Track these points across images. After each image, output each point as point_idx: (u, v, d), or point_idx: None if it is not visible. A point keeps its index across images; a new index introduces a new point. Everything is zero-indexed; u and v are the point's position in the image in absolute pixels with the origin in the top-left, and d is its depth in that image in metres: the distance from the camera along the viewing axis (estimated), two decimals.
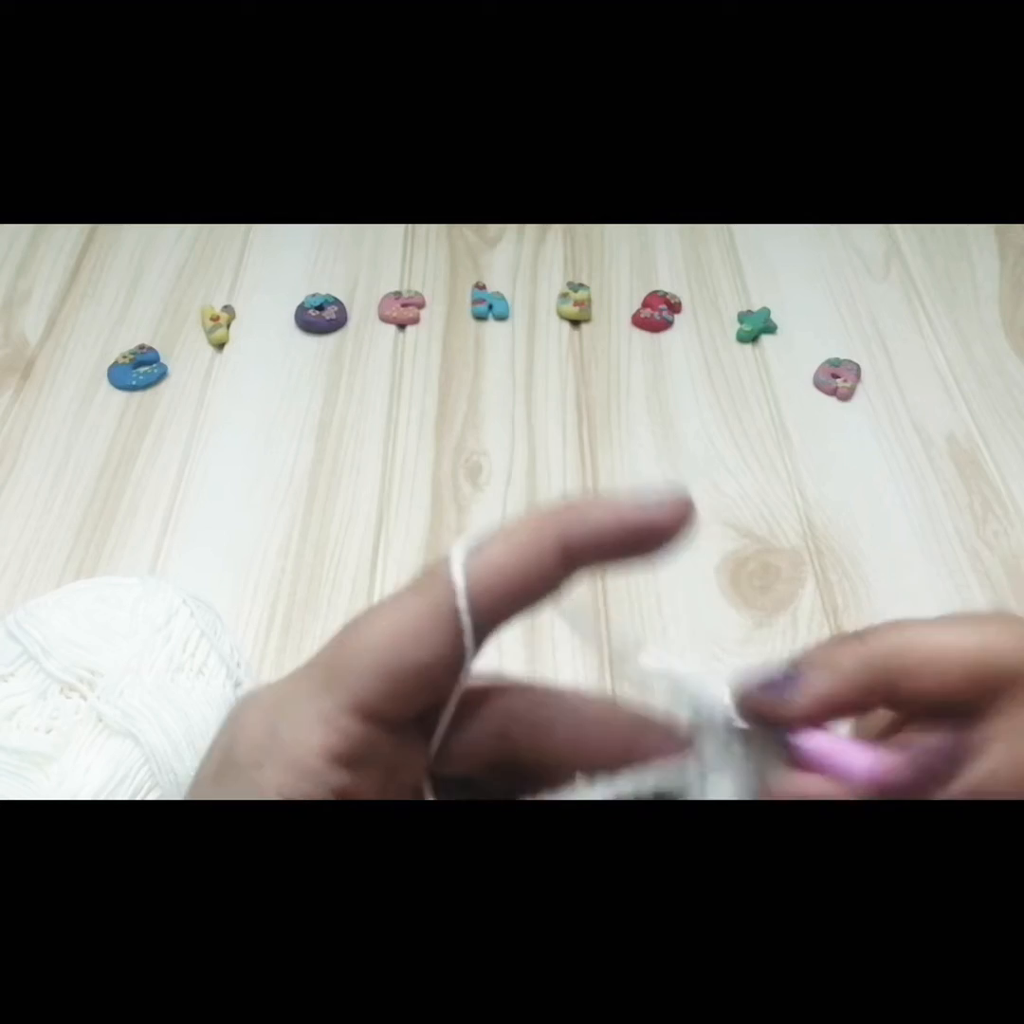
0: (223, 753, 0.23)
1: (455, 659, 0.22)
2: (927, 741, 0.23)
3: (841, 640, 0.25)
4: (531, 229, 0.98)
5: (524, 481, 0.77)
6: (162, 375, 0.83)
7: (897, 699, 0.24)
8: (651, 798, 0.24)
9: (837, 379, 0.84)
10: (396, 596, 0.23)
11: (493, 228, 0.98)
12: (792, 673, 0.24)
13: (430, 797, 0.25)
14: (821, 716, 0.24)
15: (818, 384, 0.85)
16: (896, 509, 0.76)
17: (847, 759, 0.23)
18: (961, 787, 0.23)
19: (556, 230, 0.99)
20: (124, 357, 0.83)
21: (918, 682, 0.24)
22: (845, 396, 0.84)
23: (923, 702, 0.24)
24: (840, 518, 0.75)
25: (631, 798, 0.24)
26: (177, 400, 0.81)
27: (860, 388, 0.85)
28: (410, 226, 0.98)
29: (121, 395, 0.82)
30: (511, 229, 0.98)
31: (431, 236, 0.98)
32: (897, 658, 0.24)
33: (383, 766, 0.23)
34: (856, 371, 0.85)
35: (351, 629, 0.23)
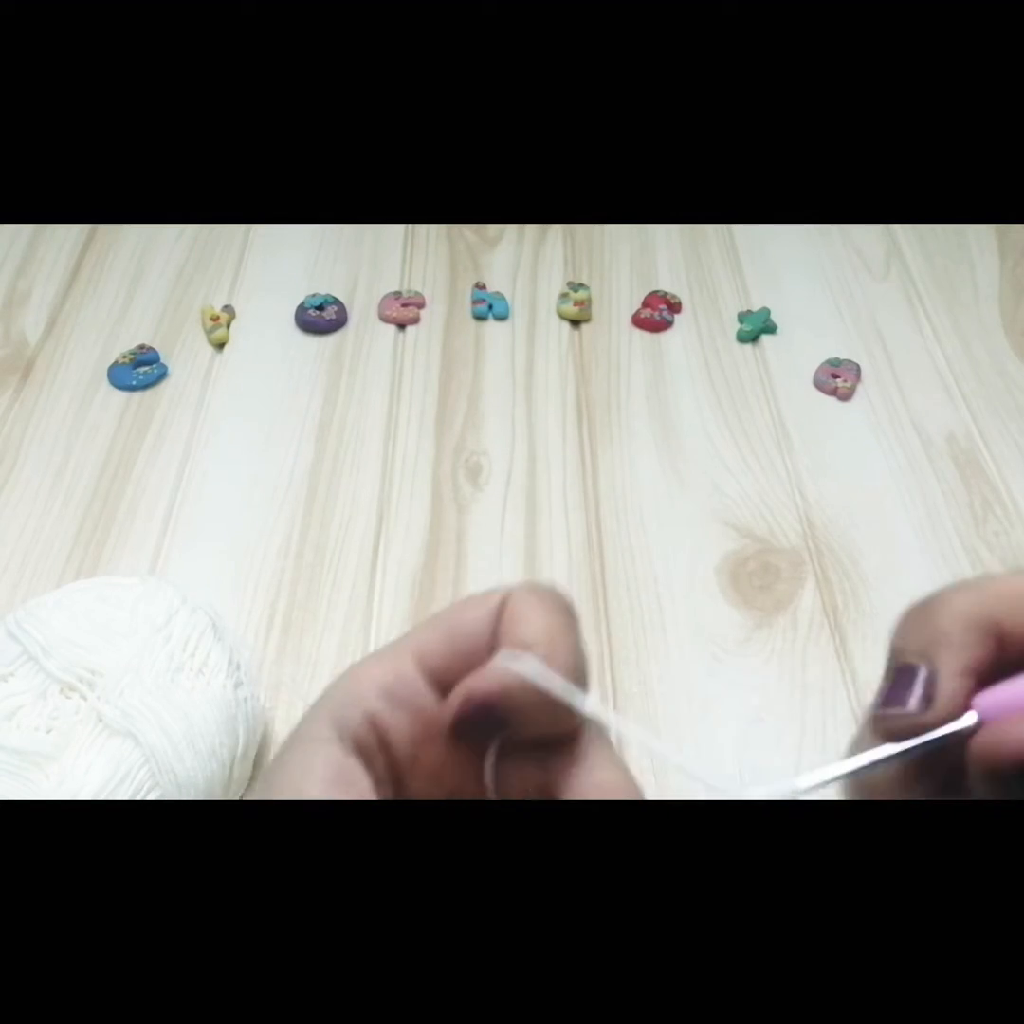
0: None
1: (493, 641, 0.25)
2: None
3: (920, 614, 0.24)
4: (531, 229, 0.98)
5: (524, 481, 0.77)
6: (162, 375, 0.83)
7: (1008, 643, 0.24)
8: None
9: (837, 379, 0.84)
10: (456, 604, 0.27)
11: (493, 228, 0.98)
12: (905, 672, 0.24)
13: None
14: (968, 690, 0.23)
15: (818, 384, 0.85)
16: (896, 509, 0.76)
17: None
18: None
19: (556, 230, 0.99)
20: (124, 357, 0.83)
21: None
22: (845, 396, 0.84)
23: None
24: (840, 518, 0.75)
25: None
26: (177, 400, 0.81)
27: (860, 388, 0.85)
28: (410, 226, 0.98)
29: (121, 395, 0.82)
30: (511, 229, 0.98)
31: (431, 236, 0.98)
32: (995, 601, 0.24)
33: (418, 725, 0.25)
34: (856, 371, 0.85)
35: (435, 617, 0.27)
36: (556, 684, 0.24)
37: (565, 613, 0.25)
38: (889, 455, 0.80)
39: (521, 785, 0.25)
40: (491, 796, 0.25)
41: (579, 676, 0.25)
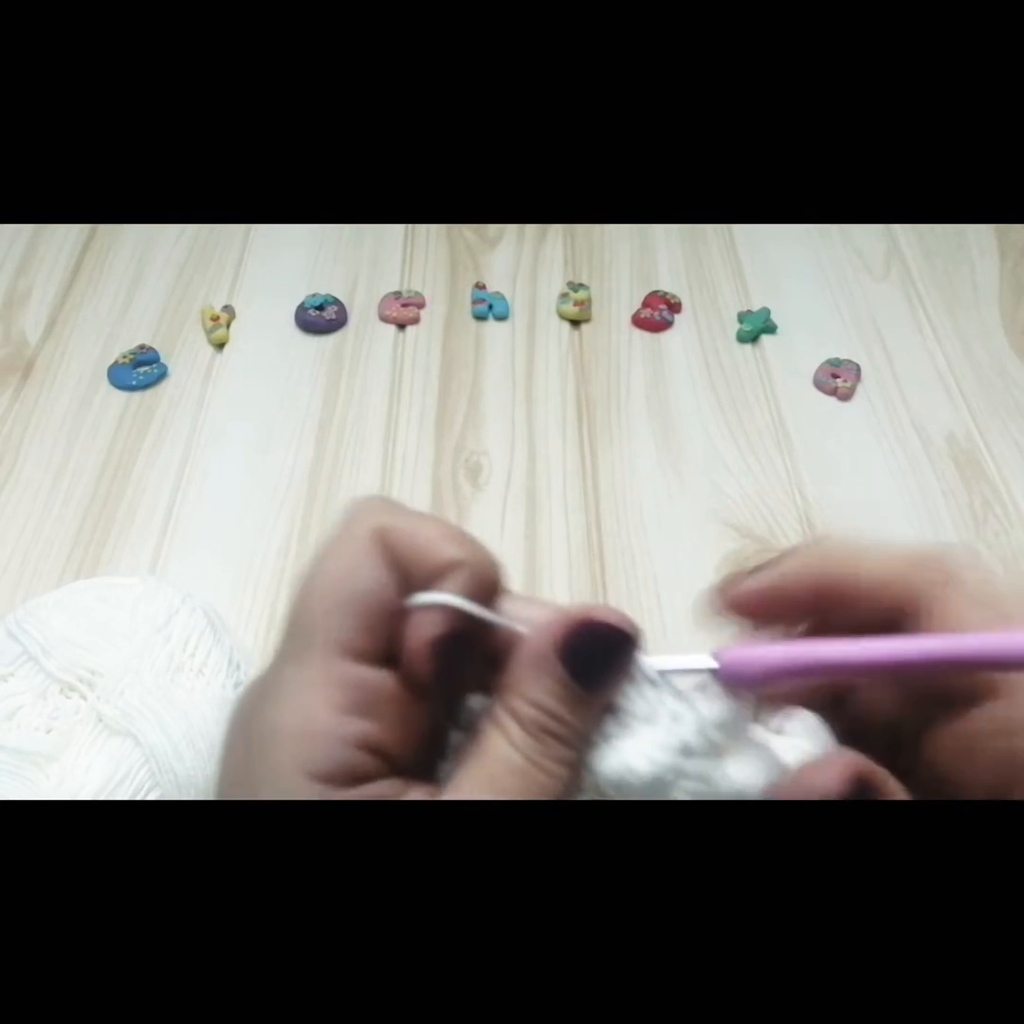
0: (236, 760, 0.24)
1: (399, 581, 0.24)
2: None
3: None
4: (531, 229, 0.98)
5: (524, 481, 0.77)
6: (162, 375, 0.83)
7: (834, 598, 0.26)
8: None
9: (837, 379, 0.84)
10: (320, 550, 0.24)
11: (493, 228, 0.98)
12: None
13: (455, 729, 0.26)
14: (763, 607, 0.27)
15: (818, 384, 0.85)
16: (896, 509, 0.76)
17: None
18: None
19: (556, 230, 0.99)
20: (124, 357, 0.83)
21: (860, 569, 0.26)
22: (845, 396, 0.84)
23: (862, 592, 0.26)
24: (840, 518, 0.75)
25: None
26: (177, 400, 0.81)
27: (860, 388, 0.85)
28: (410, 226, 0.98)
29: (121, 395, 0.82)
30: (511, 229, 0.98)
31: (431, 236, 0.98)
32: (836, 555, 0.26)
33: (395, 711, 0.24)
34: (856, 371, 0.85)
35: (299, 594, 0.24)
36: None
37: (427, 515, 0.25)
38: (889, 455, 0.80)
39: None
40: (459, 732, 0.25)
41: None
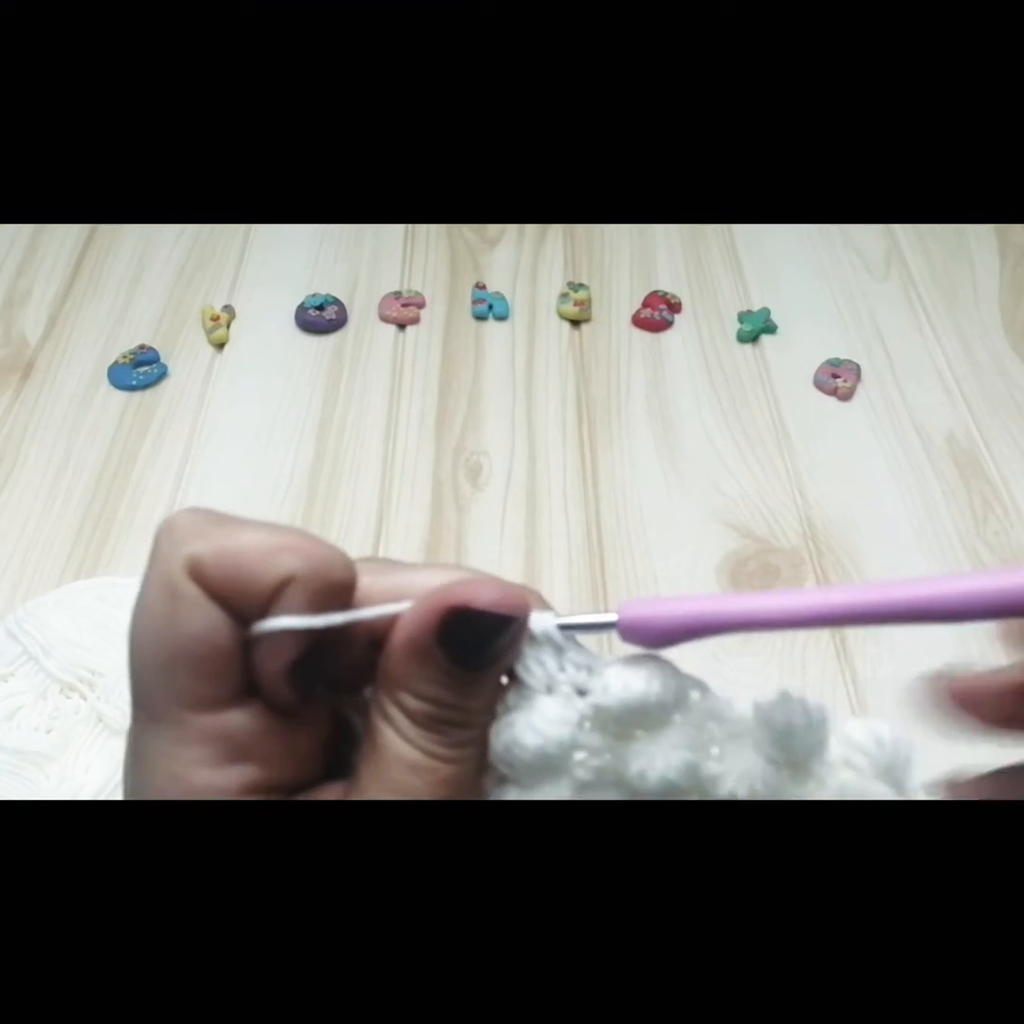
0: None
1: (230, 613, 0.21)
2: None
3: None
4: (531, 229, 0.98)
5: (524, 481, 0.77)
6: (162, 375, 0.83)
7: None
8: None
9: (837, 379, 0.84)
10: (138, 597, 0.22)
11: (493, 228, 0.98)
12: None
13: (357, 719, 0.24)
14: (1001, 706, 0.24)
15: (818, 384, 0.85)
16: (896, 509, 0.76)
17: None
18: None
19: (556, 230, 0.99)
20: (124, 357, 0.83)
21: None
22: (845, 396, 0.84)
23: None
24: (840, 518, 0.75)
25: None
26: (177, 400, 0.81)
27: (860, 388, 0.85)
28: (410, 226, 0.98)
29: (121, 395, 0.82)
30: (511, 229, 0.98)
31: (431, 236, 0.98)
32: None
33: (273, 741, 0.22)
34: (856, 371, 0.85)
35: (129, 651, 0.22)
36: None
37: (248, 524, 0.22)
38: (889, 455, 0.80)
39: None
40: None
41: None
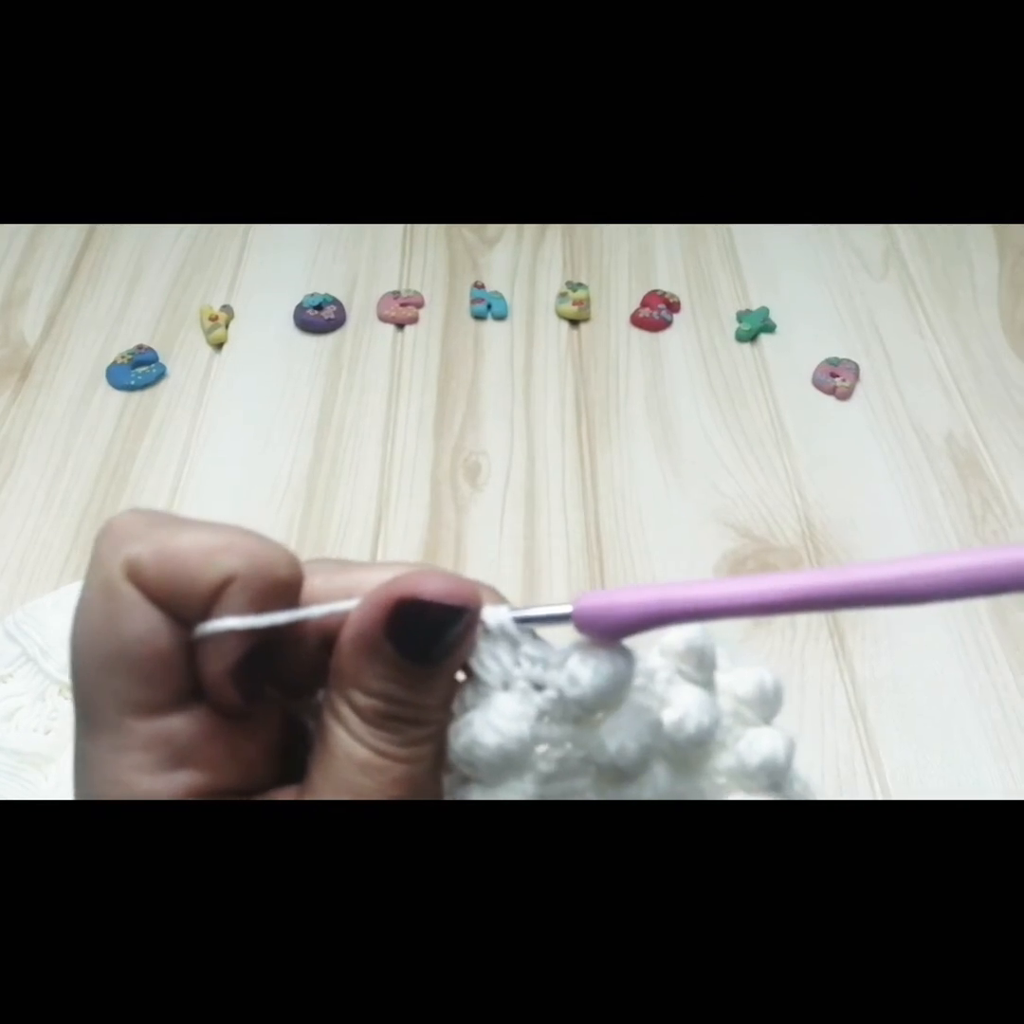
0: None
1: (170, 616, 0.21)
2: None
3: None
4: (530, 229, 0.98)
5: (523, 481, 0.77)
6: (161, 375, 0.83)
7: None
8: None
9: (836, 378, 0.84)
10: (78, 601, 0.22)
11: (492, 228, 0.98)
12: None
13: (312, 722, 0.24)
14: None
15: (817, 383, 0.85)
16: (895, 508, 0.76)
17: None
18: None
19: (555, 230, 0.99)
20: (123, 357, 0.83)
21: None
22: (844, 395, 0.84)
23: None
24: (839, 517, 0.75)
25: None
26: (176, 400, 0.81)
27: (859, 387, 0.85)
28: (409, 226, 0.98)
29: (120, 395, 0.81)
30: (510, 229, 0.98)
31: (430, 236, 0.98)
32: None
33: (217, 745, 0.22)
34: (855, 370, 0.85)
35: (70, 656, 0.21)
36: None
37: (188, 524, 0.21)
38: (888, 455, 0.80)
39: None
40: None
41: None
